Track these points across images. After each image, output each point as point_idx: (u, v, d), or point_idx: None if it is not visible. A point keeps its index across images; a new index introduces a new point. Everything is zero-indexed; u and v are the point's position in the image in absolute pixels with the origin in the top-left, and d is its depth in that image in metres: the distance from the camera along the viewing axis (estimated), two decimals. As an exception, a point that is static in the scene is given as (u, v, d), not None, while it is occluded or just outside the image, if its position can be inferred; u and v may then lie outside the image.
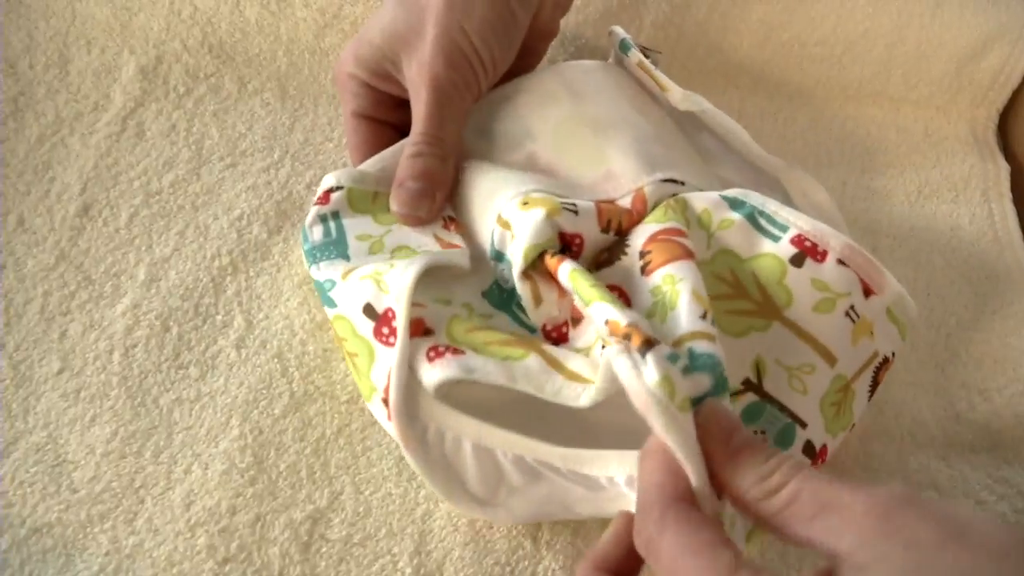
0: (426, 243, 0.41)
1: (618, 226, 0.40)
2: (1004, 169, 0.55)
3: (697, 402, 0.30)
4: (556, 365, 0.35)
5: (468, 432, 0.35)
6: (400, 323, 0.35)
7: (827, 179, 0.51)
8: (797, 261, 0.38)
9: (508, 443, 0.35)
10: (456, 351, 0.35)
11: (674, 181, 0.41)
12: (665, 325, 0.34)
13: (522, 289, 0.39)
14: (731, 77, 0.56)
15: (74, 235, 0.46)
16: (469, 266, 0.39)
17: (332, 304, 0.39)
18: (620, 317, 0.32)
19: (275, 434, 0.40)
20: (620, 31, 0.47)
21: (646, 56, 0.47)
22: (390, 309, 0.36)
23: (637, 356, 0.30)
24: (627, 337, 0.31)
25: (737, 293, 0.38)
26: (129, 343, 0.42)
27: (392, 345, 0.35)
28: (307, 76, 0.54)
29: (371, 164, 0.44)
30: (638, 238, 0.39)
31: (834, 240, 0.38)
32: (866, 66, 0.55)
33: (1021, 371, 0.45)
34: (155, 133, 0.51)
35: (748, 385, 0.36)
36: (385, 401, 0.36)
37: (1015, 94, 0.57)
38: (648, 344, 0.30)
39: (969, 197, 0.53)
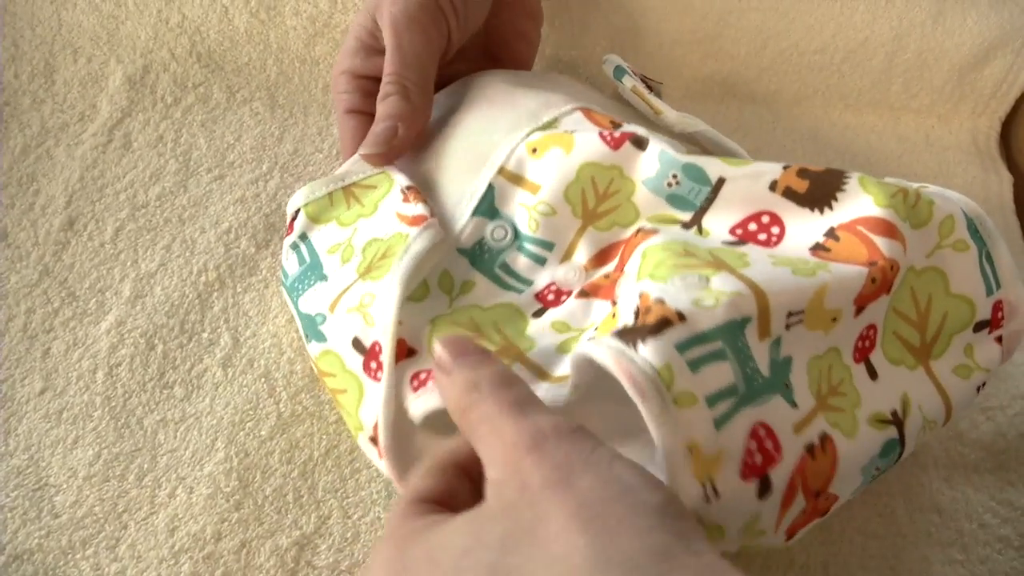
0: (390, 225, 0.39)
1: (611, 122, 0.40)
2: (1006, 179, 0.54)
3: (715, 400, 0.29)
4: (541, 374, 0.34)
5: None
6: (386, 359, 0.34)
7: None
8: (978, 327, 0.36)
9: None
10: None
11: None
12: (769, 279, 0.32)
13: (564, 236, 0.38)
14: (729, 86, 0.55)
15: (58, 250, 0.45)
16: (443, 234, 0.38)
17: (322, 339, 0.38)
18: (655, 292, 0.30)
19: (261, 456, 0.39)
20: (614, 59, 0.46)
21: (648, 87, 0.46)
22: (377, 343, 0.35)
23: (622, 343, 0.29)
24: (647, 311, 0.30)
25: (917, 324, 0.36)
26: (113, 362, 0.41)
27: (380, 380, 0.35)
28: (297, 85, 0.53)
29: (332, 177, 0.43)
30: (846, 206, 0.35)
31: (1017, 321, 0.37)
32: (866, 75, 0.54)
33: (1025, 389, 0.44)
34: (142, 144, 0.50)
35: (895, 418, 0.35)
36: (373, 440, 0.35)
37: (1017, 103, 0.56)
38: (663, 324, 0.29)
39: (971, 208, 0.52)
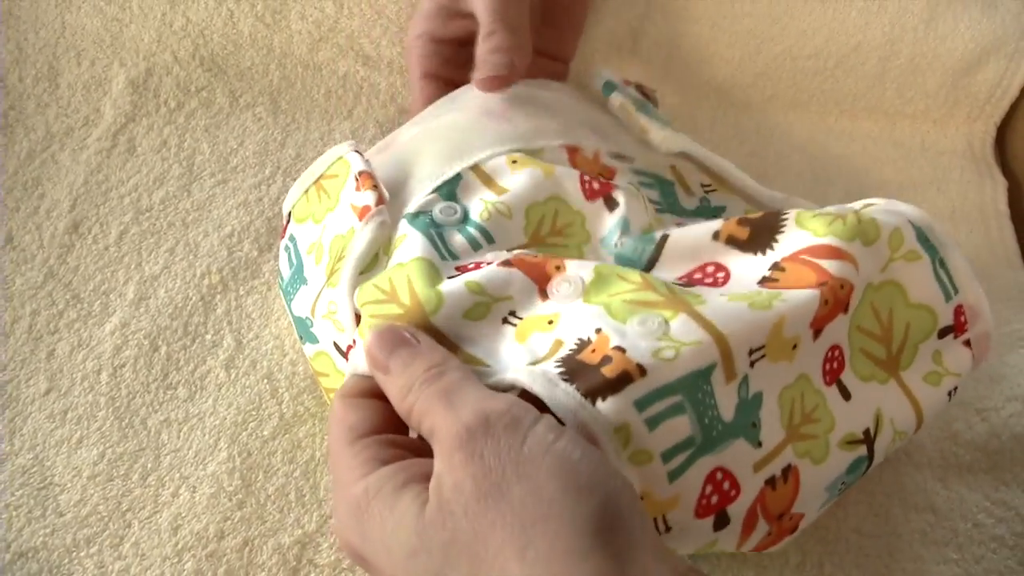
0: (346, 220, 0.39)
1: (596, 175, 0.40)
2: (1002, 185, 0.55)
3: (671, 454, 0.29)
4: (451, 347, 0.33)
5: None
6: None
7: (826, 195, 0.50)
8: (943, 333, 0.37)
9: None
10: None
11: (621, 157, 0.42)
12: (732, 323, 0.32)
13: (507, 240, 0.37)
14: (724, 92, 0.55)
15: (63, 252, 0.46)
16: (387, 220, 0.37)
17: (315, 340, 0.39)
18: (614, 336, 0.30)
19: (264, 456, 0.39)
20: (606, 74, 0.47)
21: (644, 95, 0.47)
22: (351, 347, 0.36)
23: (577, 394, 0.29)
24: (607, 360, 0.29)
25: (882, 338, 0.36)
26: (117, 363, 0.42)
27: None
28: (300, 90, 0.54)
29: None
30: (786, 243, 0.35)
31: (981, 323, 0.37)
32: (860, 80, 0.55)
33: (1019, 390, 0.44)
34: (146, 148, 0.50)
35: (866, 437, 0.35)
36: None
37: (1012, 108, 0.56)
38: (623, 379, 0.29)
39: (967, 214, 0.53)
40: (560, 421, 0.28)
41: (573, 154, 0.41)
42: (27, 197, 0.48)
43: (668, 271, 0.36)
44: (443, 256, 0.36)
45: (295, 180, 0.49)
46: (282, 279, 0.41)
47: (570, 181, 0.39)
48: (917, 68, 0.54)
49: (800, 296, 0.33)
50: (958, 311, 0.37)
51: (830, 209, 0.37)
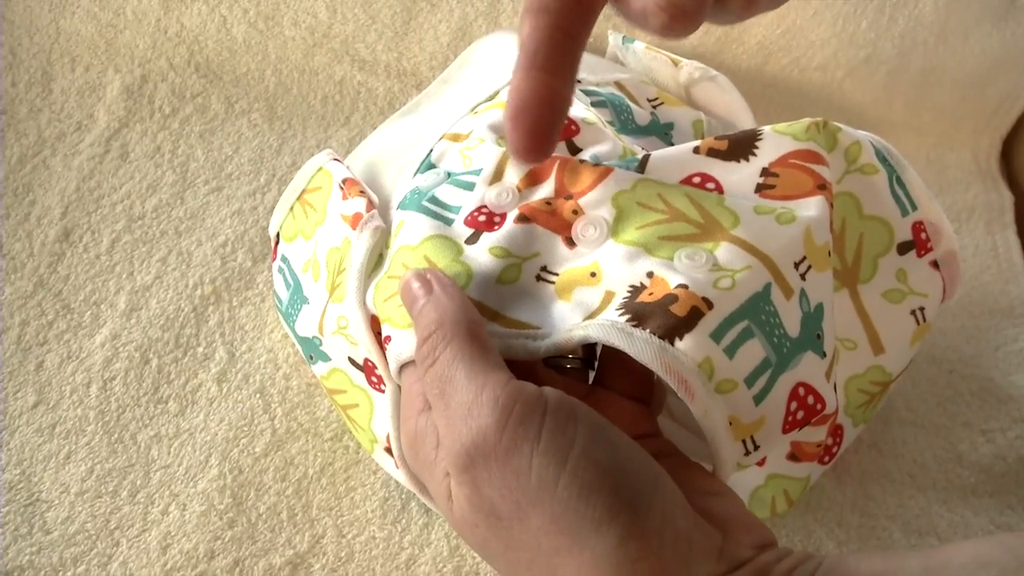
0: (339, 231, 0.37)
1: None
2: (1008, 199, 0.54)
3: (753, 378, 0.29)
4: (493, 315, 0.31)
5: None
6: (383, 373, 0.34)
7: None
8: (903, 249, 0.37)
9: None
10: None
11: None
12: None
13: (490, 159, 0.36)
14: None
15: (54, 261, 0.45)
16: (381, 224, 0.36)
17: (327, 358, 0.38)
18: (670, 276, 0.30)
19: (256, 473, 0.39)
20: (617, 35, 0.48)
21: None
22: (367, 360, 0.35)
23: (655, 339, 0.28)
24: (672, 299, 0.29)
25: (835, 248, 0.36)
26: (107, 376, 0.41)
27: (384, 392, 0.34)
28: (296, 96, 0.53)
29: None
30: (767, 149, 0.34)
31: (945, 241, 0.37)
32: (868, 92, 0.54)
33: (1025, 411, 0.43)
34: (139, 155, 0.49)
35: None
36: (388, 450, 0.35)
37: (1019, 122, 0.55)
38: (695, 315, 0.28)
39: (972, 228, 0.52)
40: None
41: None
42: (17, 203, 0.47)
43: None
44: (447, 220, 0.35)
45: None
46: (280, 302, 0.40)
47: None
48: (927, 81, 0.54)
49: (813, 203, 0.33)
50: (917, 228, 0.37)
51: (819, 121, 0.36)
